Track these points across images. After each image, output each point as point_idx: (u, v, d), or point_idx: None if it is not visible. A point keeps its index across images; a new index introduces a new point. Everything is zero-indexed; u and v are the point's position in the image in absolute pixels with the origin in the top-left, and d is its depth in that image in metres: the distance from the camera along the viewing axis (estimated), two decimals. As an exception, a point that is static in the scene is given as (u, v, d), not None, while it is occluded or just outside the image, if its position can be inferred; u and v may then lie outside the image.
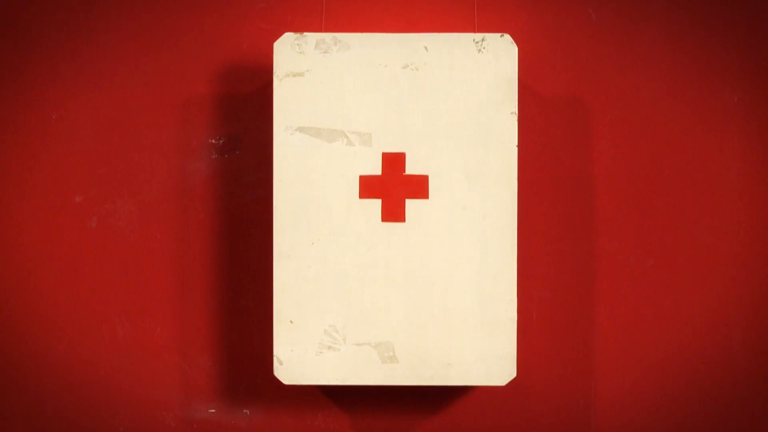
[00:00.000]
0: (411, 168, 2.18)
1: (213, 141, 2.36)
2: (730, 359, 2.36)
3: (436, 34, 2.18)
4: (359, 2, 2.37)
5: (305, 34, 2.18)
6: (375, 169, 2.17)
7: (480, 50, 2.17)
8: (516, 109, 2.17)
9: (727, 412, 2.36)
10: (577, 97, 2.36)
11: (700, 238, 2.36)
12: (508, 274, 2.17)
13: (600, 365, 2.35)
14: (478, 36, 2.18)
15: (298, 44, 2.17)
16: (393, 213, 2.18)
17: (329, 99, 2.17)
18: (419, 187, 2.18)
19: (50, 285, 2.35)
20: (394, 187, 2.17)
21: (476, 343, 2.17)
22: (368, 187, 2.18)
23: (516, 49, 2.17)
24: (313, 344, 2.16)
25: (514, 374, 2.17)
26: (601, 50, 2.37)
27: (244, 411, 2.35)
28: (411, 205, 2.18)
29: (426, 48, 2.17)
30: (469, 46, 2.17)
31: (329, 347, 2.16)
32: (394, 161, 2.17)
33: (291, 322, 2.16)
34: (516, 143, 2.17)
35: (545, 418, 2.35)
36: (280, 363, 2.16)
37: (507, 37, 2.18)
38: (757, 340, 2.36)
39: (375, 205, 2.17)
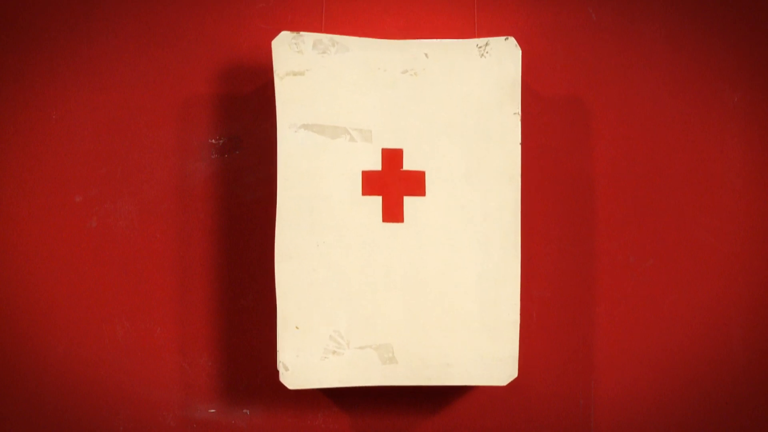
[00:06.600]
0: (408, 164, 2.18)
1: (213, 141, 2.36)
2: (730, 359, 2.36)
3: (437, 41, 2.18)
4: (359, 3, 2.37)
5: (302, 33, 2.17)
6: (375, 164, 2.17)
7: (483, 55, 2.17)
8: (519, 110, 2.17)
9: (727, 412, 2.36)
10: (577, 97, 2.36)
11: (700, 238, 2.36)
12: (511, 277, 2.16)
13: (600, 365, 2.35)
14: (482, 41, 2.17)
15: (295, 43, 2.17)
16: (392, 212, 2.17)
17: (330, 98, 2.17)
18: (416, 183, 2.17)
19: (50, 285, 2.35)
20: (393, 183, 2.17)
21: (477, 345, 2.16)
22: (370, 183, 2.17)
23: (519, 51, 2.17)
24: (318, 349, 2.15)
25: (515, 375, 2.17)
26: (601, 50, 2.37)
27: (244, 411, 2.35)
28: (409, 203, 2.17)
29: (426, 55, 2.17)
30: (471, 51, 2.17)
31: (333, 352, 2.16)
32: (392, 157, 2.17)
33: (297, 328, 2.15)
34: (519, 141, 2.17)
35: (545, 418, 2.36)
36: (286, 369, 2.15)
37: (511, 39, 2.17)
38: (757, 340, 2.36)
39: (376, 204, 2.17)
